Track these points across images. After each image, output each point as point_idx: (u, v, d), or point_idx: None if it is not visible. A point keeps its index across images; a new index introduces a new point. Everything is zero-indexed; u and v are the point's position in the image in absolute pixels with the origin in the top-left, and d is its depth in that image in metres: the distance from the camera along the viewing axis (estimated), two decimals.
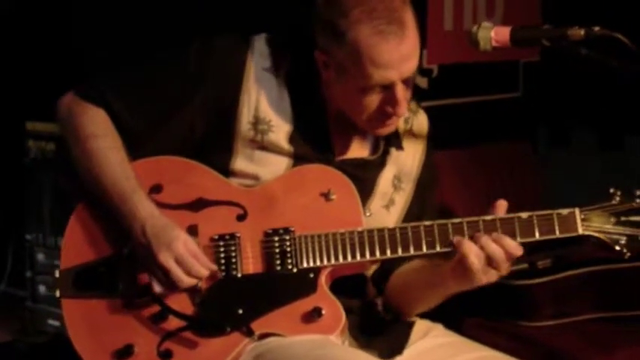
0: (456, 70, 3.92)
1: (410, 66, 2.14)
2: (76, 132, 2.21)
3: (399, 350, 2.28)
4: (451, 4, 3.89)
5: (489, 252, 2.08)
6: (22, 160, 3.45)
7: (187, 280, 2.10)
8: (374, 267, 2.33)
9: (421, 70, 3.77)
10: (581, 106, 4.14)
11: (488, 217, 2.11)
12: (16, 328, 3.26)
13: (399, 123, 2.32)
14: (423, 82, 3.81)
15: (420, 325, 2.36)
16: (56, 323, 3.36)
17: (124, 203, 2.15)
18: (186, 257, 2.09)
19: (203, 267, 2.11)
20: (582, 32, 2.08)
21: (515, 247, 2.09)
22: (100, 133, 2.20)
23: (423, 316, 2.44)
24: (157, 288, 2.13)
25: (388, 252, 2.14)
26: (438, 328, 2.38)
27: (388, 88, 2.14)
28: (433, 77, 3.88)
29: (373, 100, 2.16)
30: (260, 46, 2.25)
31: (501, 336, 3.03)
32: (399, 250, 2.13)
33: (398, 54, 2.10)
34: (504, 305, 3.16)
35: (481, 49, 2.18)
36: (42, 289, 3.54)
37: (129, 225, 2.14)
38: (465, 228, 2.11)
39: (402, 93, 2.14)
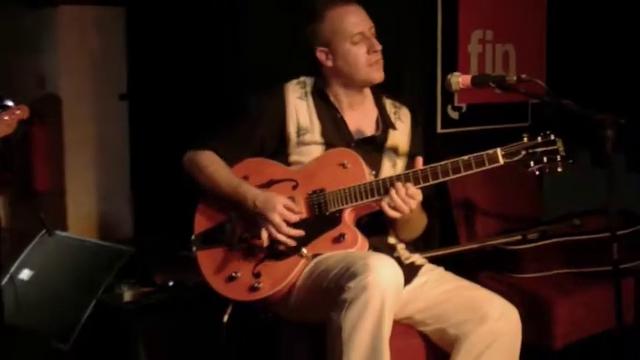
0: (481, 107, 4.23)
1: (369, 22, 2.78)
2: (197, 167, 2.83)
3: (410, 281, 2.79)
4: (476, 58, 4.22)
5: (397, 189, 2.60)
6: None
7: (288, 228, 2.68)
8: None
9: (453, 107, 4.14)
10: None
11: (442, 163, 2.59)
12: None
13: (390, 114, 2.88)
14: (455, 115, 4.17)
15: (427, 267, 2.88)
16: None
17: (236, 192, 2.74)
18: (286, 213, 2.69)
19: (296, 215, 2.70)
20: (515, 78, 2.64)
21: (414, 190, 2.61)
22: (210, 163, 2.82)
23: (438, 263, 2.93)
24: (270, 234, 2.66)
25: (376, 195, 2.67)
26: (440, 269, 2.89)
27: (366, 39, 2.76)
28: (463, 112, 4.20)
29: (361, 48, 2.75)
30: (292, 86, 2.88)
31: (501, 283, 3.58)
32: (382, 192, 2.65)
33: (358, 14, 2.78)
34: (504, 263, 3.71)
35: (453, 90, 2.79)
36: None
37: (243, 204, 2.71)
38: (428, 172, 2.60)
39: (374, 39, 2.75)
